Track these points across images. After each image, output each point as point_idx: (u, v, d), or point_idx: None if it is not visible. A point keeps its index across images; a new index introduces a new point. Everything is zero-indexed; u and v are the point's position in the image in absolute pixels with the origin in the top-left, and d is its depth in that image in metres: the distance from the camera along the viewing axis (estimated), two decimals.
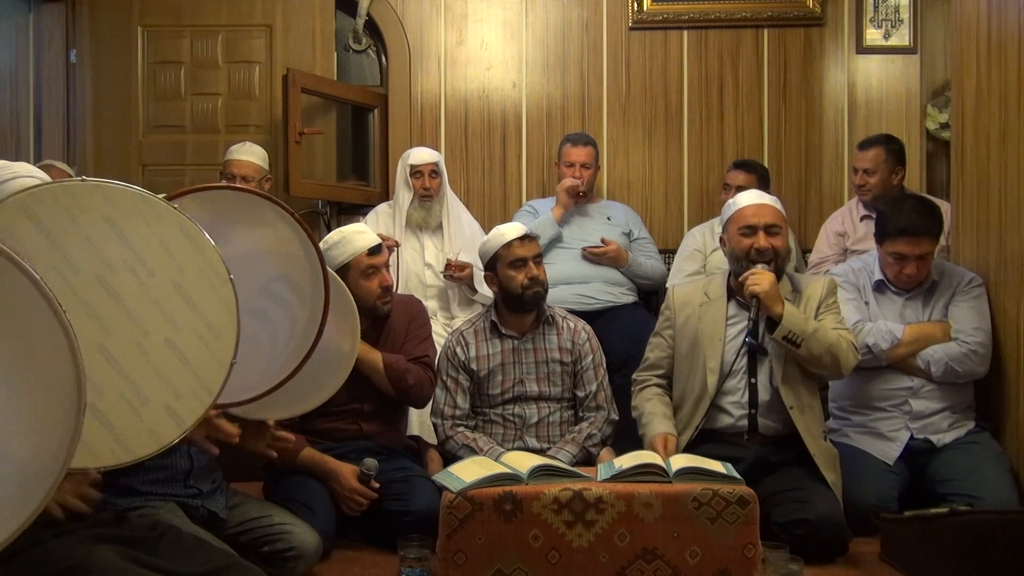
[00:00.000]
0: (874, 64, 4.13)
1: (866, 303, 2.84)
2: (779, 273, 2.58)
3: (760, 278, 2.48)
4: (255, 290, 1.82)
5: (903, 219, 2.72)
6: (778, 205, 2.66)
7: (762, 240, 2.55)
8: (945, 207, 3.30)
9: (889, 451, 2.68)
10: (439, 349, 2.95)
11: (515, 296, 2.74)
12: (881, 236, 2.80)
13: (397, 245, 3.50)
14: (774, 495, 2.42)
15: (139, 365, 1.51)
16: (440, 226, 3.64)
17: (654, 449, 2.47)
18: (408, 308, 2.85)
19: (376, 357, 2.66)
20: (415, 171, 3.58)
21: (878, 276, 2.86)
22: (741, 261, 2.58)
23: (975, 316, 2.74)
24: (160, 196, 1.60)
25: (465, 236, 3.63)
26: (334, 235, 2.70)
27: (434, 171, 3.59)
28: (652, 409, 2.64)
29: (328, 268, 1.98)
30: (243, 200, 1.88)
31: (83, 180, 1.49)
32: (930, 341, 2.74)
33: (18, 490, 1.18)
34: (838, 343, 2.48)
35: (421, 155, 3.61)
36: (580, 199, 3.70)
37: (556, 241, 3.63)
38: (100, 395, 1.47)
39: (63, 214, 1.45)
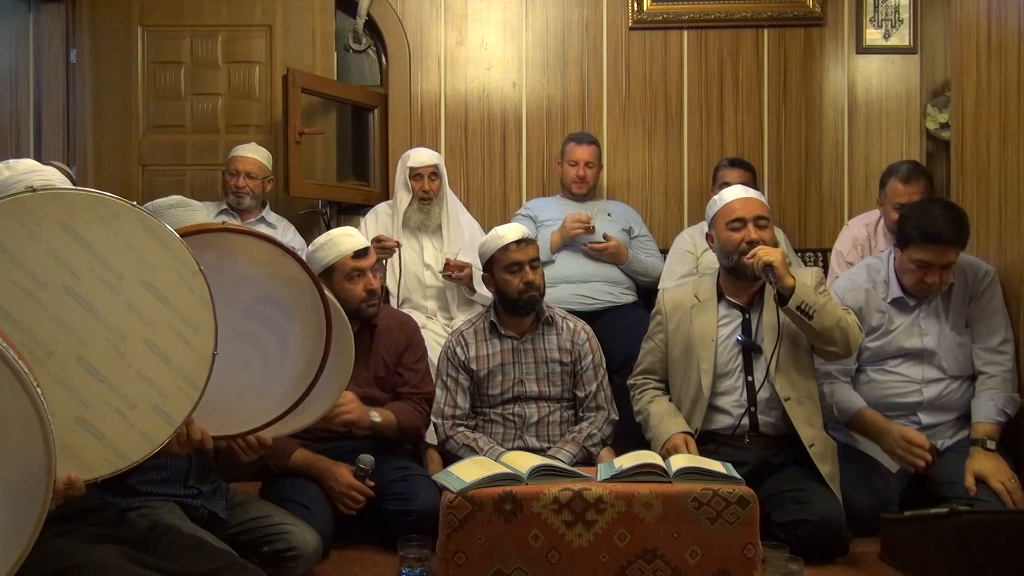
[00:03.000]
0: (874, 64, 4.13)
1: (876, 328, 2.73)
2: None
3: (768, 249, 2.47)
4: (240, 313, 1.80)
5: (932, 225, 2.55)
6: (763, 198, 2.66)
7: (752, 232, 2.54)
8: None
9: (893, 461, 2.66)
10: (439, 349, 2.95)
11: (511, 299, 2.75)
12: (904, 241, 2.64)
13: (398, 246, 3.50)
14: (775, 496, 2.43)
15: (121, 370, 1.49)
16: (439, 227, 3.64)
17: (676, 449, 2.46)
18: (404, 330, 2.82)
19: (391, 420, 2.64)
20: (415, 173, 3.58)
21: (896, 293, 2.73)
22: (732, 255, 2.57)
23: (1000, 325, 2.67)
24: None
25: (464, 237, 3.63)
26: (322, 237, 2.70)
27: (434, 173, 3.59)
28: (659, 410, 2.65)
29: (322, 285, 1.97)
30: (218, 236, 1.84)
31: (34, 190, 1.44)
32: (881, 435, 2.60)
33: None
34: (845, 317, 2.48)
35: (421, 157, 3.61)
36: (583, 199, 3.77)
37: (546, 263, 3.63)
38: (86, 407, 1.46)
39: (19, 228, 1.41)
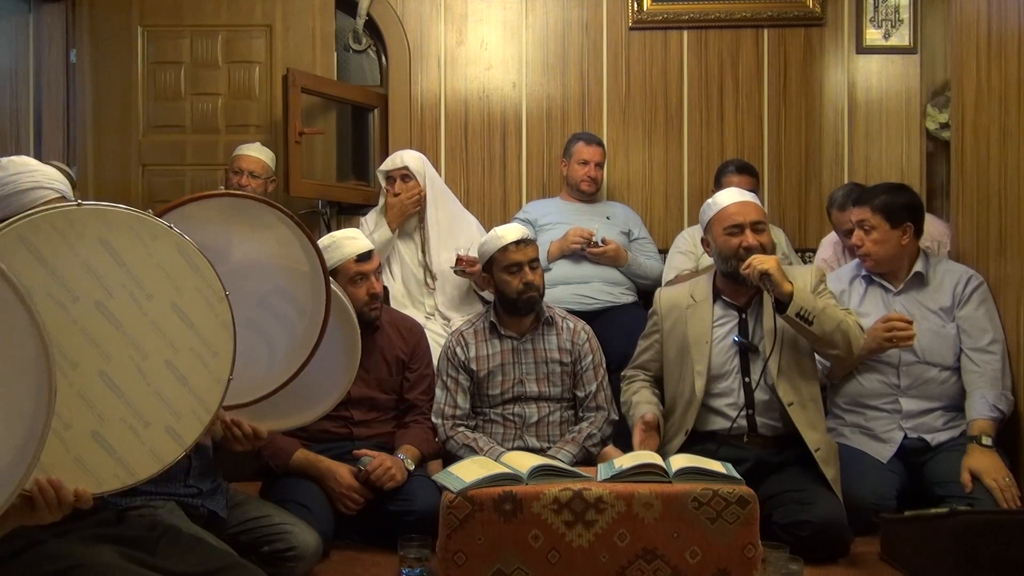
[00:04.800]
0: (874, 64, 4.13)
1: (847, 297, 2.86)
2: None
3: (763, 258, 2.45)
4: (254, 303, 1.82)
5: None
6: (757, 201, 2.65)
7: (750, 238, 2.52)
8: (941, 224, 3.31)
9: (883, 451, 2.68)
10: (439, 349, 2.95)
11: (510, 300, 2.75)
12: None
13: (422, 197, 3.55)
14: (776, 496, 2.42)
15: (139, 388, 1.52)
16: (426, 227, 3.63)
17: (633, 440, 2.48)
18: (411, 335, 2.82)
19: (418, 456, 2.64)
20: (387, 177, 3.63)
21: (863, 272, 2.88)
22: (730, 260, 2.55)
23: (987, 327, 2.71)
24: (153, 213, 1.58)
25: (461, 235, 3.62)
26: (325, 239, 2.69)
27: (405, 175, 3.59)
28: (637, 398, 2.65)
29: (332, 281, 1.97)
30: (244, 206, 1.86)
31: (79, 204, 1.47)
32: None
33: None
34: (846, 319, 2.46)
35: (392, 160, 3.65)
36: (589, 198, 3.80)
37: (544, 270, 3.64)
38: (102, 422, 1.48)
39: (60, 241, 1.43)
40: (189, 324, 1.57)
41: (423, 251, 3.62)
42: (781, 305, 2.43)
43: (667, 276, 3.62)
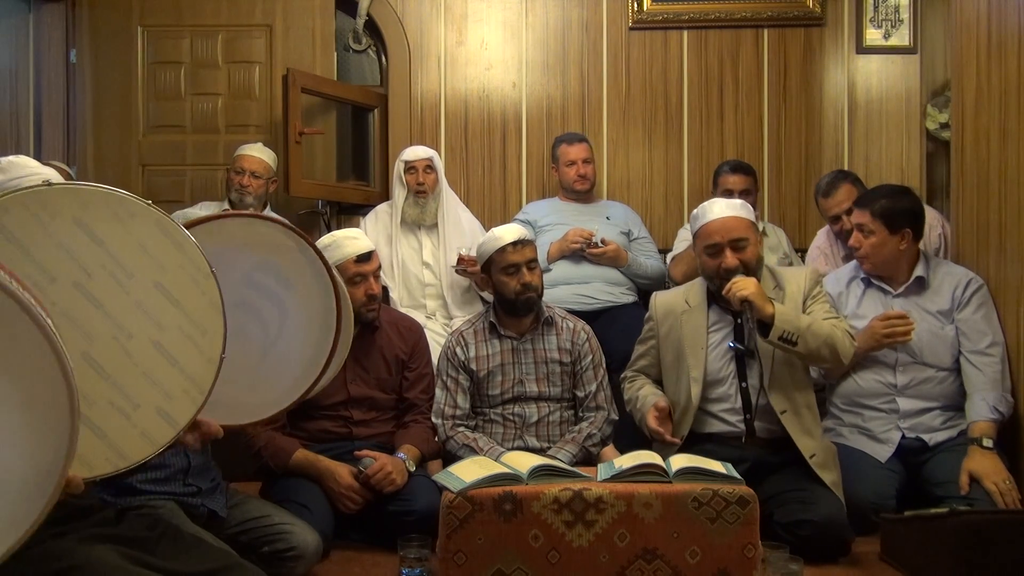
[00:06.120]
0: (874, 64, 4.14)
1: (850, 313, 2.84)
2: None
3: (743, 283, 2.42)
4: (237, 282, 1.79)
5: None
6: (745, 211, 2.58)
7: (729, 259, 2.49)
8: (931, 212, 3.31)
9: (882, 451, 2.68)
10: (439, 349, 2.95)
11: (508, 301, 2.75)
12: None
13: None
14: (776, 496, 2.42)
15: (126, 370, 1.48)
16: (435, 225, 3.64)
17: (650, 426, 2.47)
18: (410, 334, 2.83)
19: (418, 455, 2.65)
20: (409, 167, 3.62)
21: (862, 273, 2.88)
22: (713, 280, 2.55)
23: (986, 329, 2.72)
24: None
25: (465, 236, 3.63)
26: (326, 239, 2.70)
27: (429, 167, 3.61)
28: (644, 392, 2.65)
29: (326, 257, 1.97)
30: (216, 224, 1.82)
31: (50, 184, 1.43)
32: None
33: (19, 500, 1.18)
34: (833, 333, 2.44)
35: (415, 151, 3.66)
36: (584, 197, 3.80)
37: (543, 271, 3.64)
38: (89, 404, 1.43)
39: (33, 222, 1.39)
40: (175, 303, 1.52)
41: (420, 250, 3.62)
42: (764, 328, 2.42)
43: (676, 250, 3.65)
